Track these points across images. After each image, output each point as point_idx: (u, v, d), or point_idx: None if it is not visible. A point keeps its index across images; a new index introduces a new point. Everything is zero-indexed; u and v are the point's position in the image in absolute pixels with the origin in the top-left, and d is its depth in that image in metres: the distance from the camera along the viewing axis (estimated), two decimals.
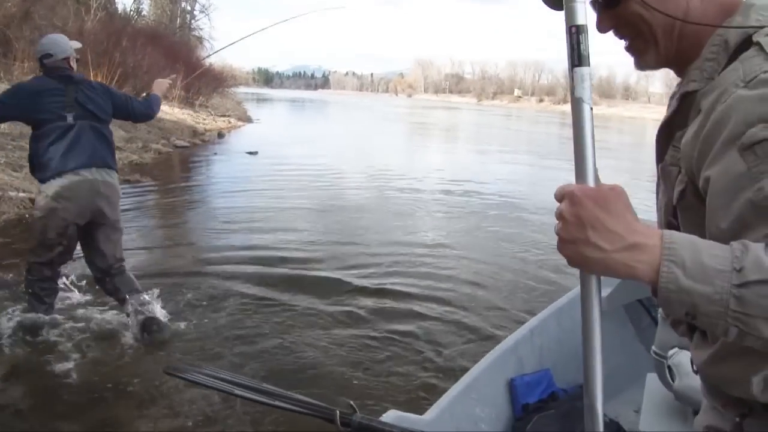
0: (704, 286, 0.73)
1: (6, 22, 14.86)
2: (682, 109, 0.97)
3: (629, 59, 1.02)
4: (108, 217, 3.98)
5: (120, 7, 33.98)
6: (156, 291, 4.17)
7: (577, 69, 0.84)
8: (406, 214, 8.20)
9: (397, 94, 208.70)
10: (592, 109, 0.84)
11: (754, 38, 0.87)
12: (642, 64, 1.02)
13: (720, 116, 0.83)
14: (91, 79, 4.65)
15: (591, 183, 0.82)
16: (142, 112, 4.39)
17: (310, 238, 6.66)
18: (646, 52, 0.99)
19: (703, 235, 0.83)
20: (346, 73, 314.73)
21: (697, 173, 0.88)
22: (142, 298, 4.01)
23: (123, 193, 7.00)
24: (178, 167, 12.24)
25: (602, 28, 1.01)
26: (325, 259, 5.83)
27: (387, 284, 5.16)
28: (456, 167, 14.52)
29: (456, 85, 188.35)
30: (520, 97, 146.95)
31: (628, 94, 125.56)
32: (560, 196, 0.81)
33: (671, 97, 1.05)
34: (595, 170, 0.83)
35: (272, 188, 9.51)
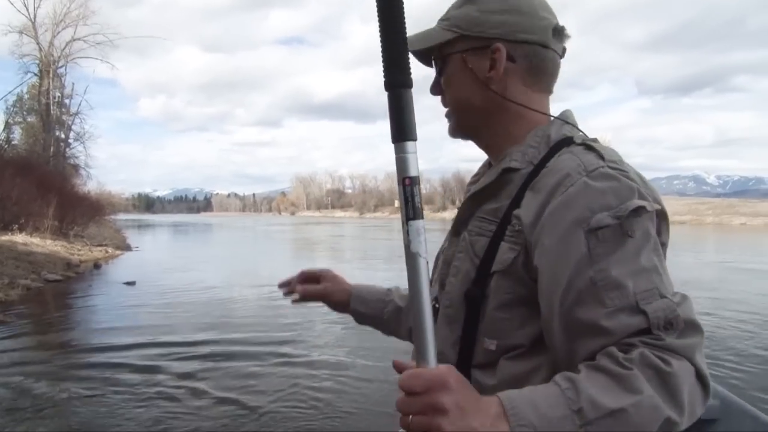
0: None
1: None
2: (498, 183, 1.09)
3: None
4: None
5: None
6: None
7: (412, 222, 0.80)
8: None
9: (280, 213, 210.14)
10: (427, 263, 0.81)
11: (577, 139, 1.05)
12: (449, 131, 1.20)
13: (567, 198, 0.93)
14: None
15: (433, 362, 0.79)
16: None
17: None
18: (450, 120, 1.18)
19: (512, 303, 1.00)
20: (228, 195, 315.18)
21: (535, 244, 0.96)
22: None
23: None
24: (51, 303, 11.59)
25: (434, 89, 1.19)
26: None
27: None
28: None
29: (338, 200, 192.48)
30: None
31: None
32: (421, 386, 0.77)
33: (478, 172, 1.25)
34: (435, 345, 0.79)
35: (146, 322, 9.15)
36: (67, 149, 43.83)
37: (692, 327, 0.87)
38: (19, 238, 17.93)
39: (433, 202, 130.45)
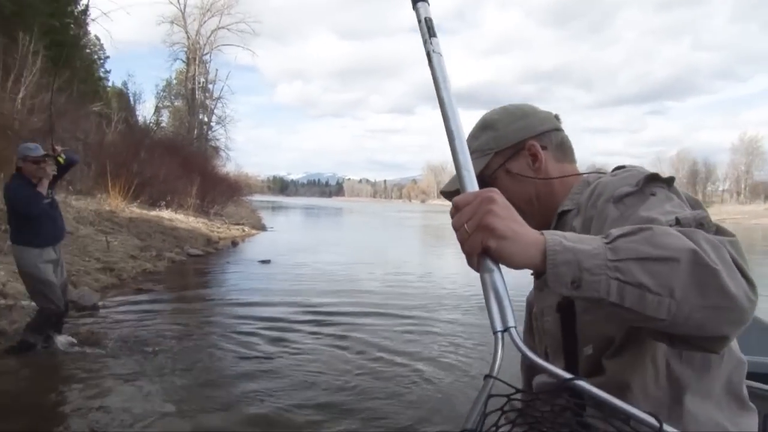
0: (584, 245, 0.89)
1: (32, 136, 15.32)
2: (557, 226, 1.31)
3: None
4: None
5: (140, 120, 35.19)
6: None
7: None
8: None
9: (410, 200, 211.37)
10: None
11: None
12: None
13: (599, 191, 1.17)
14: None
15: (475, 186, 0.98)
16: None
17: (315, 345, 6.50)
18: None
19: (604, 322, 1.13)
20: (360, 180, 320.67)
21: None
22: None
23: (134, 300, 8.04)
24: (192, 276, 12.19)
25: None
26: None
27: None
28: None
29: None
30: None
31: None
32: (470, 197, 0.92)
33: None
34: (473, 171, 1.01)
35: (282, 300, 9.37)
36: (209, 132, 46.21)
37: (724, 231, 0.97)
38: (165, 214, 19.01)
39: None
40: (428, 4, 1.17)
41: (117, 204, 16.59)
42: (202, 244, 16.33)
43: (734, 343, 1.13)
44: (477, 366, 5.92)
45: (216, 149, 45.06)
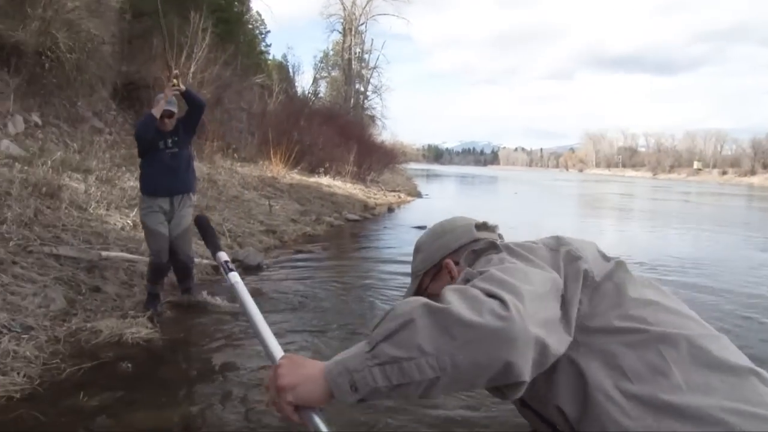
0: (350, 352, 1.01)
1: None
2: None
3: None
4: None
5: (299, 90, 36.42)
6: None
7: None
8: None
9: (567, 169, 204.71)
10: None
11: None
12: None
13: None
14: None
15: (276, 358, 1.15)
16: None
17: None
18: None
19: None
20: (515, 149, 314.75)
21: None
22: None
23: (295, 260, 8.21)
24: (349, 239, 12.42)
25: None
26: None
27: None
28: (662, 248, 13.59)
29: (629, 158, 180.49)
30: (700, 169, 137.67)
31: None
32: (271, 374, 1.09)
33: None
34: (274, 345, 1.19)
35: None
36: (365, 101, 47.00)
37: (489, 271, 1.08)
38: (324, 180, 19.51)
39: (739, 164, 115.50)
40: (224, 253, 1.43)
41: (278, 170, 17.21)
42: (359, 210, 16.59)
43: None
44: None
45: (372, 118, 45.86)
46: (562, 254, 1.20)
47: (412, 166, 69.15)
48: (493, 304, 0.95)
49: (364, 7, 46.24)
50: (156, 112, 5.16)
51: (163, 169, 5.35)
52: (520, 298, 0.97)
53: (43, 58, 10.70)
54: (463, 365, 0.92)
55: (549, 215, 20.80)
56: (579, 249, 1.22)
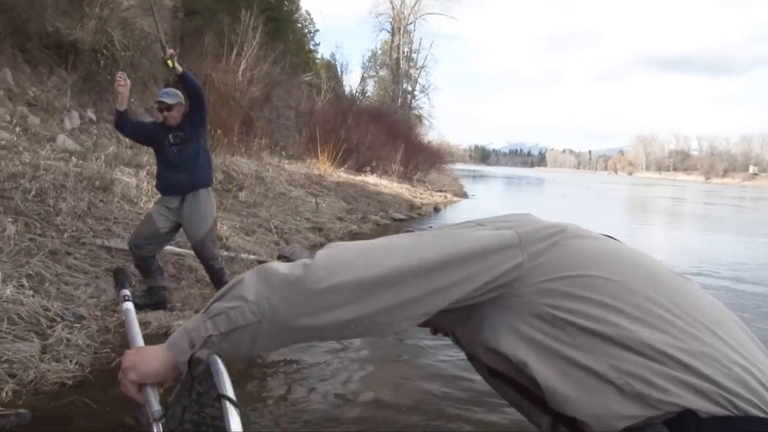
0: (190, 320, 1.12)
1: (251, 104, 16.44)
2: None
3: None
4: None
5: (347, 89, 36.58)
6: None
7: None
8: None
9: (616, 172, 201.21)
10: None
11: None
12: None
13: None
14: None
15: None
16: None
17: None
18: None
19: None
20: (563, 151, 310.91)
21: None
22: None
23: None
24: None
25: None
26: None
27: None
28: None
29: (681, 162, 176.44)
30: (756, 174, 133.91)
31: None
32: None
33: None
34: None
35: None
36: (413, 100, 46.94)
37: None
38: (370, 179, 19.53)
39: None
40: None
41: (325, 168, 17.29)
42: (406, 209, 16.56)
43: None
44: None
45: (419, 117, 45.80)
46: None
47: (459, 166, 68.85)
48: (307, 260, 1.08)
49: (413, 6, 46.26)
50: (119, 105, 5.01)
51: (168, 166, 5.20)
52: (335, 255, 1.08)
53: (99, 55, 10.97)
54: (278, 308, 1.03)
55: (596, 218, 20.44)
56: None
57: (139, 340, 1.29)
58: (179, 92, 5.22)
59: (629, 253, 1.18)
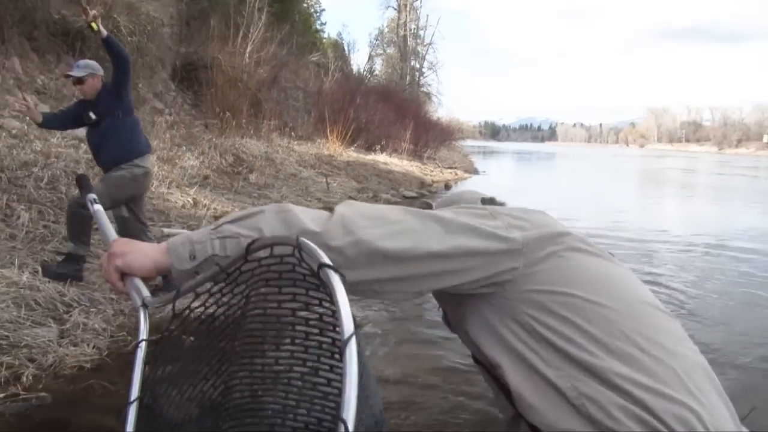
0: (197, 232, 1.14)
1: (258, 86, 16.41)
2: None
3: None
4: None
5: (355, 68, 36.40)
6: None
7: None
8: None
9: (627, 145, 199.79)
10: None
11: None
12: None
13: None
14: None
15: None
16: None
17: None
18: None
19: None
20: (574, 125, 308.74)
21: None
22: None
23: None
24: None
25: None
26: None
27: None
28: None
29: (693, 133, 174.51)
30: None
31: None
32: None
33: None
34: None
35: None
36: (421, 78, 46.67)
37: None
38: (381, 157, 19.51)
39: None
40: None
41: (335, 148, 17.29)
42: (416, 187, 16.54)
43: None
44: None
45: (428, 95, 45.57)
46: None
47: (469, 143, 68.53)
48: (327, 215, 1.13)
49: None
50: (35, 121, 4.71)
51: (91, 145, 4.85)
52: (352, 219, 1.11)
53: None
54: None
55: (607, 192, 20.36)
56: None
57: (114, 234, 1.30)
58: (92, 63, 4.78)
59: (618, 279, 1.23)
